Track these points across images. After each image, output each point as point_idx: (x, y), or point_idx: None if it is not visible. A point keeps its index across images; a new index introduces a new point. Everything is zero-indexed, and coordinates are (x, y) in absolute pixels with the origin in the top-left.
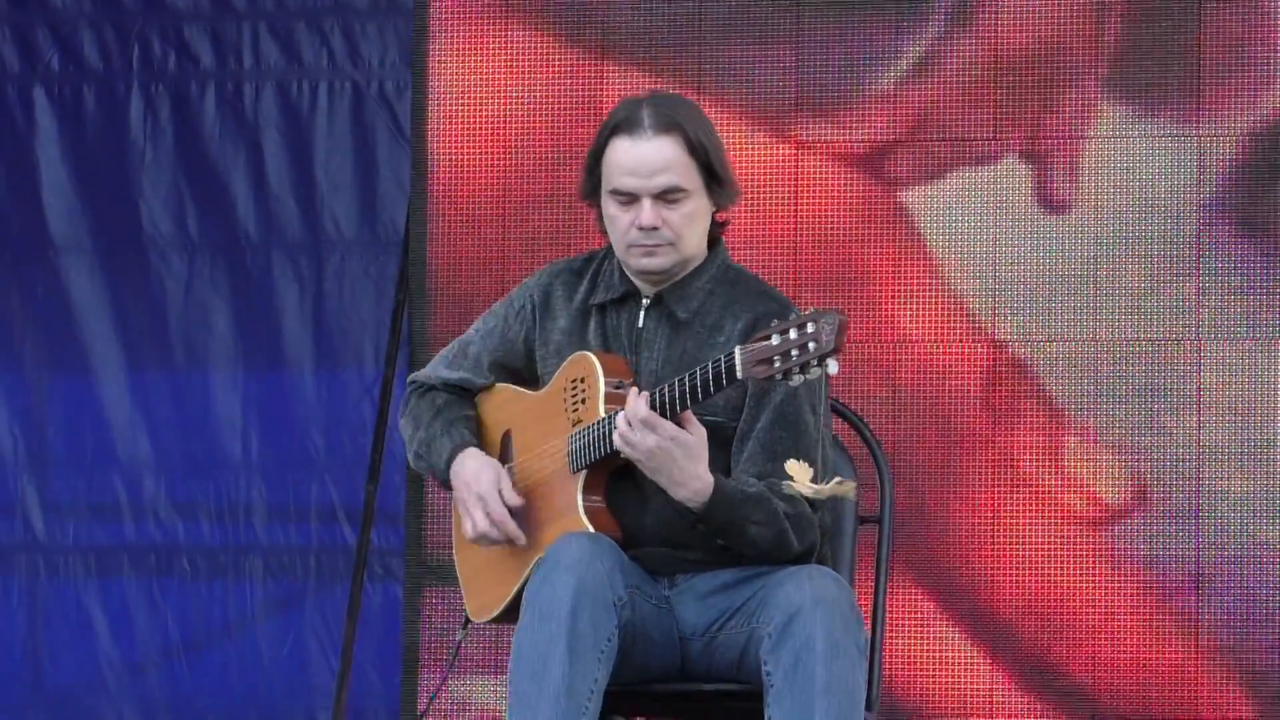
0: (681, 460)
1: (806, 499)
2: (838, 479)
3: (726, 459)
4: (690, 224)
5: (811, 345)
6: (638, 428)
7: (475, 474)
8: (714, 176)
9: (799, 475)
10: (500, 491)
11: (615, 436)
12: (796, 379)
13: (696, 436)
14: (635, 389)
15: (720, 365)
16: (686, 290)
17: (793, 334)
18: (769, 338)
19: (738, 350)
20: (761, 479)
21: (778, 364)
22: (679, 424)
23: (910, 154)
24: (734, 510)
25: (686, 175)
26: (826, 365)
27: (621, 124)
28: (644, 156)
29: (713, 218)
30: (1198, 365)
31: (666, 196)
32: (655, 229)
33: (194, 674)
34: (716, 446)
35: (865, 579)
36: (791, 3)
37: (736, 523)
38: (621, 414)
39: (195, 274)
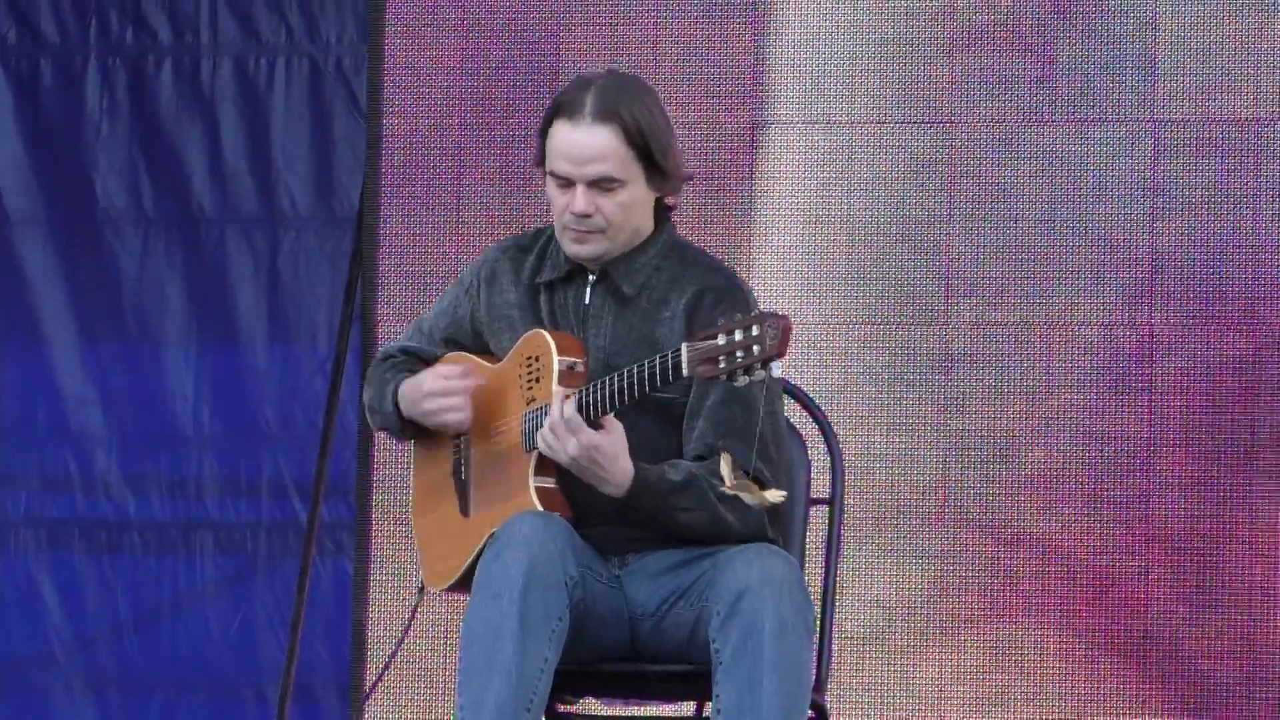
0: (603, 461)
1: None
2: (763, 491)
3: (678, 437)
4: (624, 212)
5: (756, 349)
6: (562, 434)
7: (415, 386)
8: (654, 166)
9: (725, 470)
10: (439, 374)
11: (539, 440)
12: (741, 380)
13: (615, 437)
14: (562, 391)
15: (667, 361)
16: (632, 265)
17: (738, 335)
18: (715, 337)
19: (684, 347)
20: (712, 454)
21: (723, 364)
22: (597, 426)
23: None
24: (659, 499)
25: (622, 166)
26: (770, 368)
27: (564, 106)
28: (580, 144)
29: (660, 199)
30: (1150, 351)
31: (601, 185)
32: (588, 216)
33: (143, 649)
34: (668, 424)
35: (816, 561)
36: None
37: (664, 509)
38: (547, 419)
39: (150, 248)
